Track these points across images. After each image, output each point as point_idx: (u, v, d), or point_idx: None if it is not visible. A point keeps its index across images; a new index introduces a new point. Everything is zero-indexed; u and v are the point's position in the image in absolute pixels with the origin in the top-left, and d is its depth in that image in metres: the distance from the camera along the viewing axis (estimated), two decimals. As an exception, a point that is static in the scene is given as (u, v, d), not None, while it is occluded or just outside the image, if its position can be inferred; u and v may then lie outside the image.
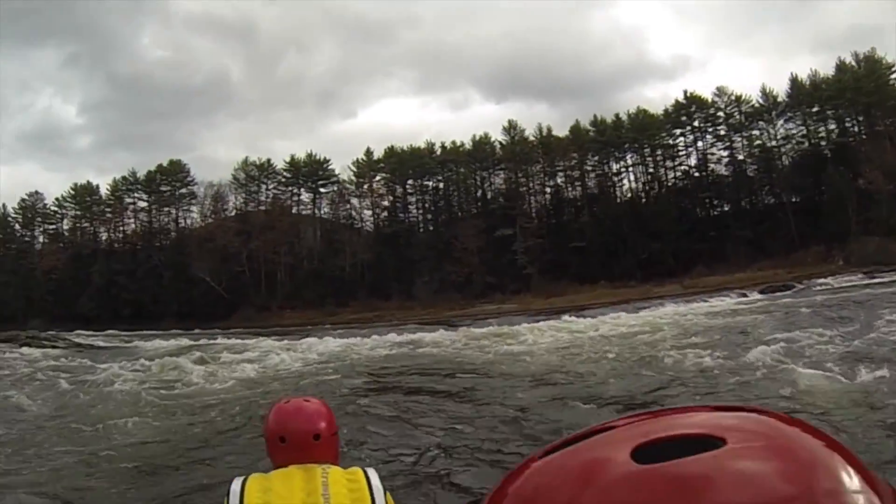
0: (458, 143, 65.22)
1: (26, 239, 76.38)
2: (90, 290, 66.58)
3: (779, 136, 59.24)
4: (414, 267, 59.02)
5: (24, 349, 22.53)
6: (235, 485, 2.04)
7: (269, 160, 70.30)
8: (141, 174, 72.33)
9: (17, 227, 76.72)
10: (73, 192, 73.83)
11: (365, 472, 2.11)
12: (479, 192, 64.91)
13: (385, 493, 2.09)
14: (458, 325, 28.77)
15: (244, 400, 10.70)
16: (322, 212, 69.12)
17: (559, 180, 63.89)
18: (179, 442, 8.09)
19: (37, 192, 75.69)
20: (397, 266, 59.33)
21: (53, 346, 24.63)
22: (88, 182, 74.52)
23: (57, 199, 75.18)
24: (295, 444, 2.12)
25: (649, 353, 12.79)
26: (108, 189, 73.65)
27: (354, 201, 67.90)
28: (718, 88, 60.91)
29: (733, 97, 60.74)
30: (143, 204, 72.95)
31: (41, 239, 76.39)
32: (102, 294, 65.87)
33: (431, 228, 65.04)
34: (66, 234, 75.67)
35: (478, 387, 10.66)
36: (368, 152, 66.62)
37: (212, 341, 25.15)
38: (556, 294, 49.42)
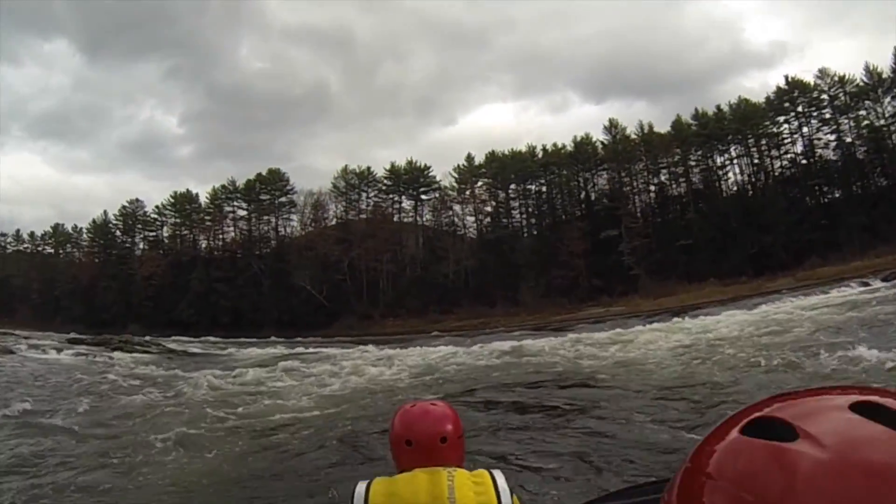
0: (560, 146, 63.69)
1: (127, 245, 78.59)
2: (189, 297, 67.75)
3: (887, 115, 55.48)
4: (519, 272, 57.90)
5: (116, 353, 22.51)
6: (360, 487, 2.00)
7: (368, 168, 70.11)
8: (240, 183, 73.20)
9: (118, 233, 78.94)
10: (172, 199, 75.32)
11: (491, 474, 2.03)
12: (583, 194, 63.05)
13: (512, 495, 2.01)
14: (567, 330, 27.44)
15: (321, 420, 9.38)
16: (424, 219, 68.55)
17: (663, 177, 61.54)
18: (224, 479, 6.65)
19: (137, 200, 77.78)
20: (502, 272, 58.26)
21: (146, 352, 24.56)
22: (188, 190, 76.06)
23: (157, 206, 76.96)
24: (421, 447, 2.09)
25: (787, 355, 11.33)
26: (207, 197, 74.82)
27: (457, 208, 66.99)
28: (821, 70, 57.55)
29: (836, 78, 57.17)
30: (242, 212, 73.81)
31: (141, 245, 78.49)
32: (201, 301, 66.93)
33: (535, 233, 63.70)
34: (166, 241, 77.40)
35: (592, 402, 9.36)
36: (469, 158, 65.79)
37: (307, 350, 24.66)
38: (665, 294, 48.00)
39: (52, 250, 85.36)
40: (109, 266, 76.04)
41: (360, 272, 63.20)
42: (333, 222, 70.33)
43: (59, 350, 22.79)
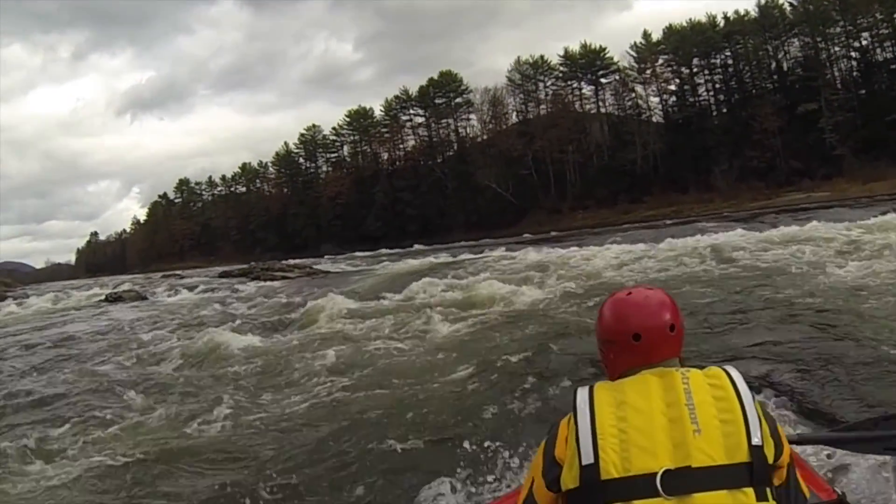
0: (743, 12, 59.15)
1: (311, 171, 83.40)
2: (375, 210, 70.89)
3: None
4: (710, 155, 55.08)
5: (251, 284, 22.29)
6: (582, 393, 1.64)
7: (542, 56, 68.83)
8: (413, 91, 74.18)
9: (301, 160, 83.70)
10: (347, 118, 78.19)
11: (727, 372, 1.62)
12: (773, 65, 58.40)
13: (753, 400, 1.58)
14: (769, 221, 22.53)
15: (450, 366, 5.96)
16: (607, 105, 66.78)
17: (865, 41, 54.69)
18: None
19: (314, 125, 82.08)
20: (692, 155, 55.87)
21: (284, 277, 24.19)
22: (360, 106, 78.24)
23: (334, 128, 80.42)
24: (650, 340, 1.69)
25: None
26: (381, 110, 76.69)
27: (639, 89, 64.47)
28: None
29: None
30: (419, 119, 75.18)
31: (324, 168, 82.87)
32: (387, 212, 69.80)
33: (725, 111, 60.29)
34: (348, 159, 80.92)
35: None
36: (646, 34, 62.82)
37: (464, 256, 22.01)
38: (875, 178, 42.52)
39: (244, 188, 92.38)
40: (297, 193, 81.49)
41: (546, 165, 62.75)
42: (514, 118, 70.34)
43: (192, 289, 22.98)
